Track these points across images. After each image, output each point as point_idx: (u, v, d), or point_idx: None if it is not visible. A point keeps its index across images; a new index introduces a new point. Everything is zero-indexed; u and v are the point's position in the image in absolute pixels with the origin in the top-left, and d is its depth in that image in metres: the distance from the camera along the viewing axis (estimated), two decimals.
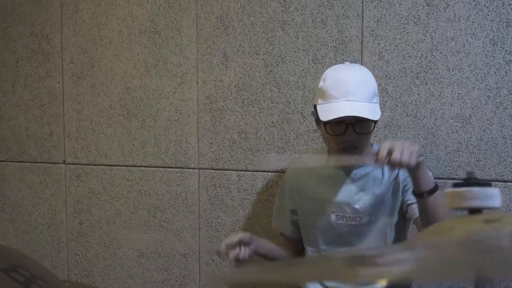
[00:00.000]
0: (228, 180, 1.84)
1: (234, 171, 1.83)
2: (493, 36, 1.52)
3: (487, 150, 1.55)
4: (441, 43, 1.56)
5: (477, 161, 1.55)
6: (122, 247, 2.01)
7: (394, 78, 1.61)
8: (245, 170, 1.81)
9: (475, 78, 1.54)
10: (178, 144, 1.90)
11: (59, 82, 2.06)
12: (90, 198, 2.04)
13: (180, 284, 1.94)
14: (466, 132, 1.56)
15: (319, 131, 1.40)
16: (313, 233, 1.44)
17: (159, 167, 1.93)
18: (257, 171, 1.79)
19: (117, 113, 1.98)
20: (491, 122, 1.54)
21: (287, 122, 1.74)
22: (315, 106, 1.33)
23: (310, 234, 1.45)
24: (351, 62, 1.51)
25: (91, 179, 2.03)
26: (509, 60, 1.51)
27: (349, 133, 1.25)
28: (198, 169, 1.88)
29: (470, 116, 1.55)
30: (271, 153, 1.75)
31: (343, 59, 1.65)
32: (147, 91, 1.92)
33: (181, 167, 1.90)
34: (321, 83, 1.30)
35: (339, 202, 1.38)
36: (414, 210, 1.32)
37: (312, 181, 1.43)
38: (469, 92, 1.55)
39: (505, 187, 1.54)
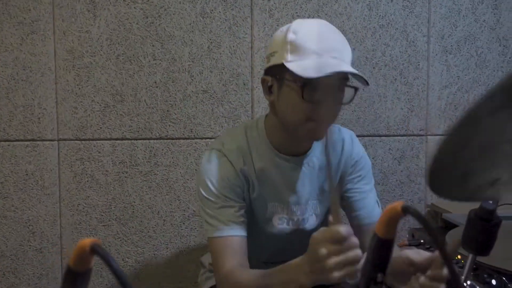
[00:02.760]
0: (99, 152, 1.54)
1: (108, 141, 1.54)
2: (369, 1, 1.64)
3: (366, 108, 1.67)
4: (326, 4, 1.61)
5: (358, 118, 1.66)
6: None
7: None
8: (122, 139, 1.54)
9: (356, 40, 1.64)
10: (28, 111, 1.50)
11: None
12: None
13: (35, 286, 1.54)
14: None
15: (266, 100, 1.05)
16: (256, 242, 1.11)
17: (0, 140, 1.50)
18: (136, 139, 1.55)
19: None
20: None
21: (172, 82, 1.55)
22: (270, 68, 1.01)
23: (254, 243, 1.09)
24: (243, 19, 1.41)
25: None
26: (382, 24, 1.65)
27: (330, 102, 0.96)
28: (58, 140, 1.52)
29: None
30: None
31: (233, 14, 1.56)
32: None
33: (33, 140, 1.51)
34: (290, 36, 0.97)
35: (287, 202, 1.11)
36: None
37: (262, 175, 1.09)
38: None
39: (380, 141, 1.69)
